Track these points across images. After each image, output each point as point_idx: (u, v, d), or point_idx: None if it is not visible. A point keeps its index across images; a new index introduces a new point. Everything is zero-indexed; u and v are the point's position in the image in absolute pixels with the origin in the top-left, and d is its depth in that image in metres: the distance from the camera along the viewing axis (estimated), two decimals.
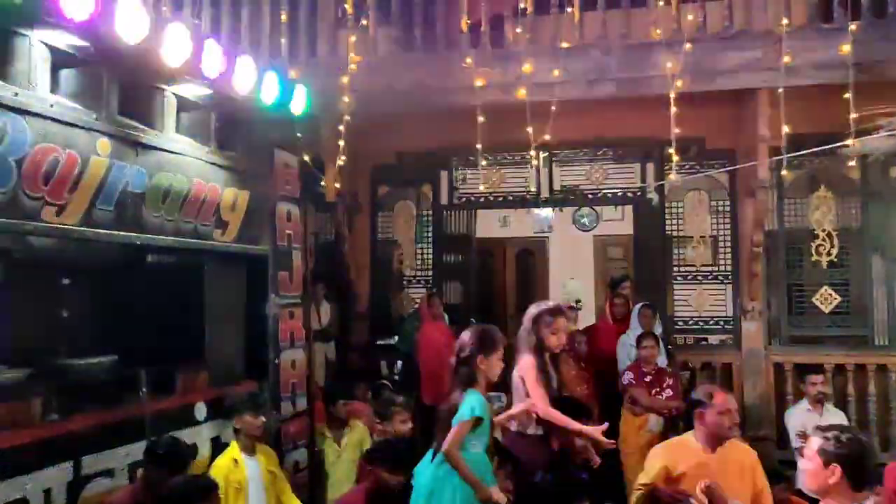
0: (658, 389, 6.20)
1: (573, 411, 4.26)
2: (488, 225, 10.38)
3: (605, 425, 4.05)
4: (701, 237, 7.70)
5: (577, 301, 9.95)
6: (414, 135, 7.94)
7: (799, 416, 6.11)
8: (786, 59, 6.09)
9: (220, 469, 4.44)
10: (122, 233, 4.07)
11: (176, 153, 4.48)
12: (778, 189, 7.41)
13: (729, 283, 7.59)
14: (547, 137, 6.43)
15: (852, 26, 5.94)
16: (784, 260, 7.49)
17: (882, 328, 7.28)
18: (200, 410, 4.73)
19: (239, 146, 5.20)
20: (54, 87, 3.72)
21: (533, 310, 4.29)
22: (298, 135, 6.05)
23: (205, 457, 4.73)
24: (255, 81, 4.80)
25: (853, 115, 5.55)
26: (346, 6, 7.10)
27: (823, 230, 7.40)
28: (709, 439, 3.50)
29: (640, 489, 3.45)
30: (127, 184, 4.06)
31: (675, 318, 7.74)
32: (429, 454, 3.71)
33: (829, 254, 7.37)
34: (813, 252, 7.40)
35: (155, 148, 4.30)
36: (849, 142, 5.61)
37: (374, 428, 6.11)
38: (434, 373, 7.06)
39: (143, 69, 4.13)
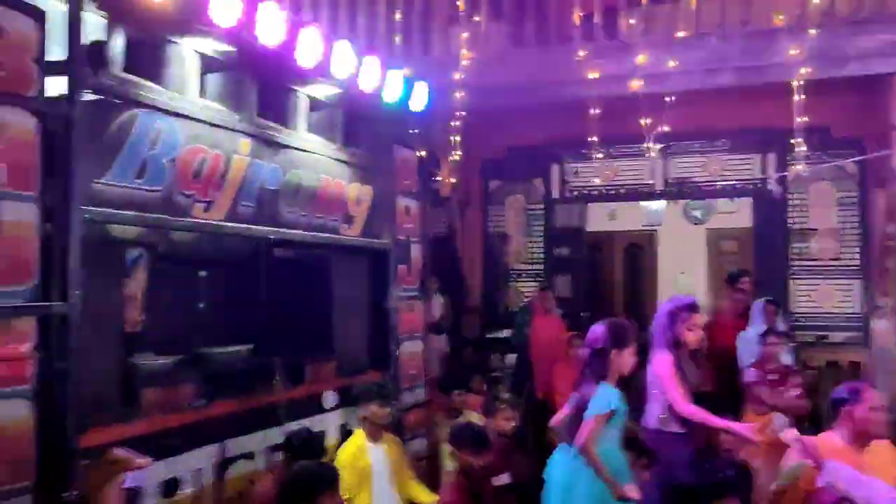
0: (783, 388, 6.00)
1: (713, 408, 4.13)
2: (596, 218, 10.25)
3: (757, 423, 3.93)
4: (826, 230, 7.39)
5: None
6: (525, 129, 7.96)
7: None
8: None
9: (347, 456, 4.58)
10: (261, 227, 4.27)
11: (307, 151, 4.67)
12: None
13: (856, 278, 7.27)
14: (664, 128, 6.34)
15: None
16: None
17: None
18: (329, 399, 4.90)
19: (362, 143, 5.36)
20: (201, 90, 3.94)
21: (668, 305, 4.22)
22: (414, 131, 6.19)
23: (332, 444, 4.90)
24: (380, 79, 4.93)
25: None
26: (459, 3, 7.19)
27: None
28: (857, 437, 3.37)
29: (783, 489, 3.35)
30: (264, 181, 4.26)
31: (796, 314, 7.46)
32: (560, 448, 3.73)
33: None
34: None
35: (288, 146, 4.49)
36: None
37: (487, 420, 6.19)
38: (546, 367, 7.08)
39: (279, 71, 4.32)
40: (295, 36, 4.10)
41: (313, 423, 4.69)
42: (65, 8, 3.07)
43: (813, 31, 6.00)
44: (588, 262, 9.40)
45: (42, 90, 2.97)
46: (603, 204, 9.95)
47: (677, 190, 8.04)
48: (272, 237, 4.41)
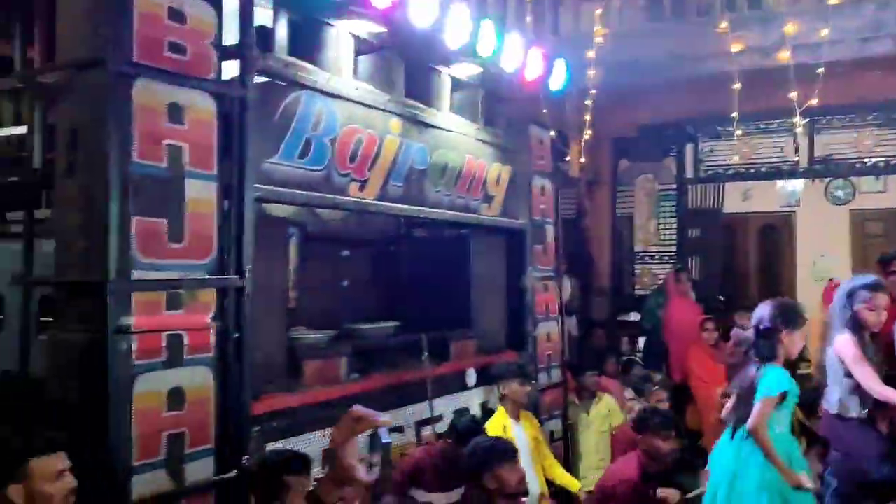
0: None
1: None
2: (728, 199, 9.86)
3: None
4: None
5: (830, 280, 9.20)
6: (657, 106, 7.74)
7: None
8: None
9: (493, 433, 4.62)
10: (410, 207, 4.34)
11: (450, 131, 4.70)
12: None
13: None
14: (813, 102, 5.99)
15: None
16: None
17: None
18: (471, 376, 4.94)
19: (500, 123, 5.35)
20: (354, 72, 4.02)
21: (847, 285, 3.99)
22: (544, 111, 6.12)
23: None
24: (521, 58, 4.90)
25: None
26: None
27: None
28: None
29: None
30: (413, 161, 4.32)
31: None
32: (726, 434, 3.60)
33: None
34: None
35: (434, 126, 4.53)
36: None
37: (623, 403, 6.09)
38: (682, 350, 6.89)
39: (425, 51, 4.36)
40: (444, 15, 4.12)
41: (458, 400, 4.75)
42: None
43: None
44: (723, 245, 9.05)
45: (219, 73, 3.11)
46: (736, 184, 9.57)
47: (823, 167, 7.59)
48: (421, 216, 4.46)
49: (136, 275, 2.76)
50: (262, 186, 3.30)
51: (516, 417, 4.82)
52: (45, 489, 2.36)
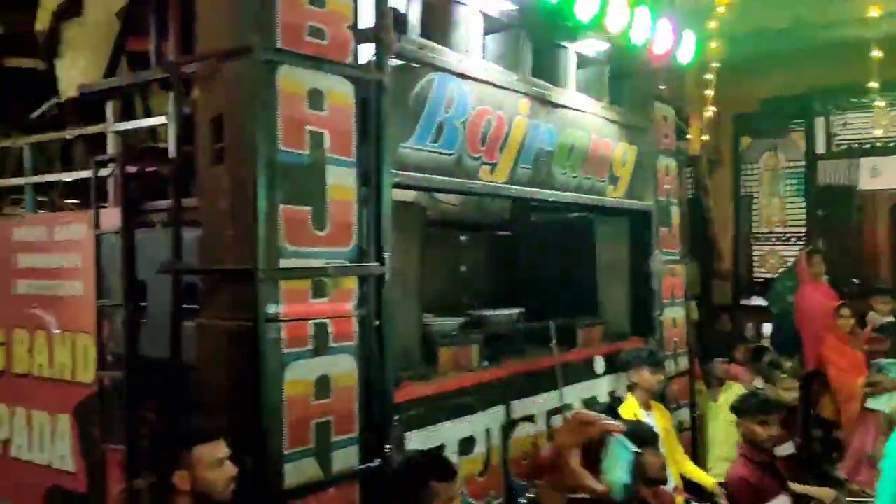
0: None
1: None
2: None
3: None
4: None
5: None
6: (783, 78, 7.32)
7: None
8: None
9: None
10: (539, 189, 4.22)
11: (577, 110, 4.53)
12: None
13: None
14: None
15: None
16: None
17: None
18: (599, 364, 4.80)
19: (624, 100, 5.14)
20: (483, 52, 3.92)
21: None
22: (662, 87, 5.86)
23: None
24: (650, 31, 4.67)
25: None
26: None
27: None
28: None
29: None
30: (541, 142, 4.19)
31: None
32: None
33: None
34: None
35: (561, 106, 4.38)
36: None
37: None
38: (816, 337, 6.52)
39: (553, 28, 4.21)
40: None
41: (587, 388, 4.61)
42: None
43: None
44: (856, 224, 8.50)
45: (356, 57, 3.06)
46: (867, 159, 8.97)
47: None
48: (549, 199, 4.32)
49: (283, 263, 2.75)
50: (398, 172, 3.25)
51: (647, 407, 4.65)
52: (208, 476, 2.38)
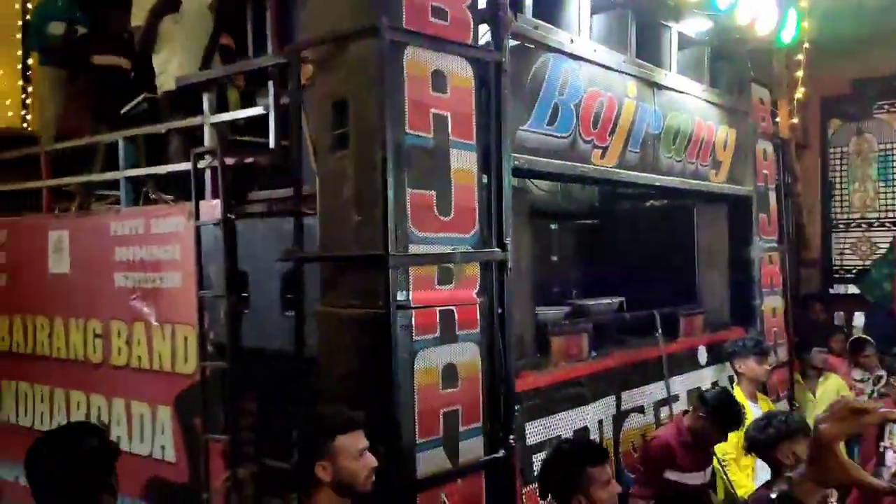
0: None
1: None
2: None
3: None
4: None
5: None
6: (877, 58, 6.99)
7: None
8: None
9: None
10: (645, 174, 4.09)
11: (681, 92, 4.39)
12: None
13: None
14: None
15: None
16: None
17: None
18: (702, 354, 4.65)
19: (723, 82, 4.96)
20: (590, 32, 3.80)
21: None
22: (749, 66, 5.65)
23: None
24: (756, 10, 4.49)
25: None
26: None
27: None
28: None
29: None
30: (649, 125, 4.06)
31: None
32: None
33: None
34: None
35: (666, 87, 4.24)
36: None
37: (851, 385, 5.58)
38: None
39: (657, 6, 4.07)
40: None
41: (691, 379, 4.47)
42: None
43: None
44: None
45: (476, 38, 2.97)
46: None
47: None
48: (656, 184, 4.19)
49: (412, 249, 2.68)
50: (517, 156, 3.16)
51: (753, 398, 4.49)
52: (351, 466, 2.33)
